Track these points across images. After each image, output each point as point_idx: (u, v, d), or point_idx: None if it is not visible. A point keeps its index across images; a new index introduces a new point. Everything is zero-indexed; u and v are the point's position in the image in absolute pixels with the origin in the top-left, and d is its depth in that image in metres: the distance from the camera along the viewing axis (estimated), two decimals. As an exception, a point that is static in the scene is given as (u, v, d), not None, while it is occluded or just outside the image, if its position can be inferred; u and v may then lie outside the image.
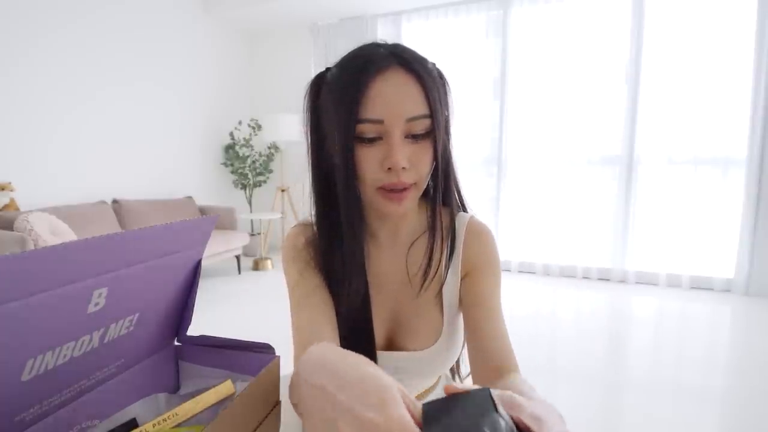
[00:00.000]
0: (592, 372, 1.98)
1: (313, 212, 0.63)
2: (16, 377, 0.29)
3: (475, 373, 0.59)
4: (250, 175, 4.54)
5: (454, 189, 0.67)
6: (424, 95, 0.52)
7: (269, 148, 4.58)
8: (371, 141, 0.53)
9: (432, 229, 0.61)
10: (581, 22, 3.51)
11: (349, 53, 0.56)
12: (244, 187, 4.61)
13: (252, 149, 4.58)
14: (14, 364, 0.28)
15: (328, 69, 0.58)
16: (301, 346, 0.54)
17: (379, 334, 0.65)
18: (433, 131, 0.54)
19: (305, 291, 0.59)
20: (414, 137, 0.53)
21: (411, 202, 0.56)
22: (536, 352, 2.20)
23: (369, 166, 0.53)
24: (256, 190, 4.86)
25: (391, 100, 0.51)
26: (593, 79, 3.53)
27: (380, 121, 0.51)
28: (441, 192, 0.61)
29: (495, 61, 3.81)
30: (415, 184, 0.55)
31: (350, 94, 0.52)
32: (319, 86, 0.59)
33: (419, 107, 0.52)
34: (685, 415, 1.63)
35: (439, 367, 0.66)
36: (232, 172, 4.51)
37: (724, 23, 3.15)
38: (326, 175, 0.61)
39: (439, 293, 0.65)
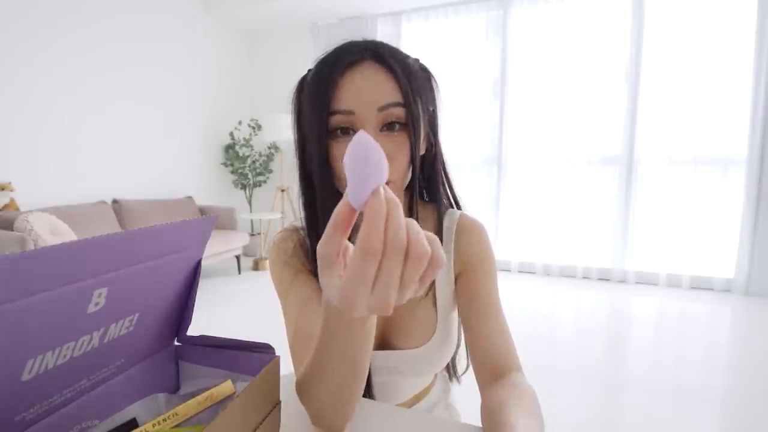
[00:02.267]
0: (592, 372, 1.98)
1: (302, 213, 0.63)
2: (16, 377, 0.29)
3: (476, 372, 0.59)
4: (250, 175, 4.53)
5: (443, 185, 0.66)
6: (397, 85, 0.51)
7: (269, 148, 4.58)
8: (345, 135, 0.52)
9: None
10: (581, 22, 3.51)
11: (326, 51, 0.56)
12: (244, 187, 4.61)
13: (252, 149, 4.58)
14: (14, 364, 0.28)
15: (310, 70, 0.58)
16: (292, 321, 0.55)
17: None
18: (409, 123, 0.52)
19: (297, 293, 0.59)
20: (390, 130, 0.52)
21: None
22: (536, 352, 2.20)
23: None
24: (256, 190, 4.86)
25: (362, 90, 0.50)
26: (593, 79, 3.53)
27: (351, 112, 0.51)
28: (418, 187, 0.60)
29: (495, 61, 3.81)
30: (390, 182, 0.53)
31: (322, 87, 0.52)
32: (302, 87, 0.60)
33: (391, 95, 0.51)
34: (685, 415, 1.63)
35: (434, 365, 0.66)
36: (232, 172, 4.51)
37: (724, 23, 3.15)
38: (310, 176, 0.60)
39: (432, 291, 0.65)
